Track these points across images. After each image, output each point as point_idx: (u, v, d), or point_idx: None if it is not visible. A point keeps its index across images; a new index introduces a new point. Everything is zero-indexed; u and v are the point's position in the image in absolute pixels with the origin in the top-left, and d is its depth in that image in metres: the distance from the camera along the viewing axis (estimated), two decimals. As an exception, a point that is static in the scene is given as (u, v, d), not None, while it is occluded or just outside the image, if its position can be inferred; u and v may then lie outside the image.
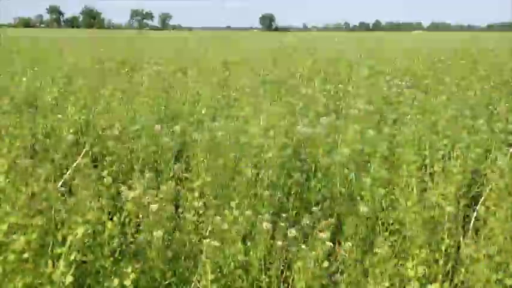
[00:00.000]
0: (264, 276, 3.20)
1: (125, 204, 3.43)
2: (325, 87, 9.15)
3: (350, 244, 3.33)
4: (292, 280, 3.10)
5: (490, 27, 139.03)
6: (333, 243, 3.70)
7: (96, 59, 13.52)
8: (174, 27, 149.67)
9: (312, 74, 11.17)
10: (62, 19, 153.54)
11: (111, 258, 3.02)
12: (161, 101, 7.13)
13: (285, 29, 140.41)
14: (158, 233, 2.95)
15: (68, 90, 8.15)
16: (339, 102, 7.97)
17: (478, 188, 4.68)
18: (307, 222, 3.38)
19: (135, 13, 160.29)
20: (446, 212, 3.32)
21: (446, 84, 9.48)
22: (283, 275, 3.35)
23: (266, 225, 2.99)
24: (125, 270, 2.77)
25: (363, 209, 3.52)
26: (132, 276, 2.78)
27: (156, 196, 3.44)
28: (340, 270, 3.37)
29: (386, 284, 3.12)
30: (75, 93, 7.54)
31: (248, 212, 3.10)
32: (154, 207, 3.07)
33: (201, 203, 3.98)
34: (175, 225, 3.59)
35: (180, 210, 4.01)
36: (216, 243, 2.83)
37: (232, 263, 3.15)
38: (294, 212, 4.27)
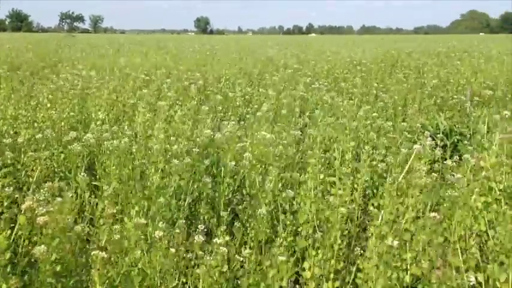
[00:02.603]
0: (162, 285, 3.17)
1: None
2: (246, 90, 9.23)
3: (249, 248, 3.36)
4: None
5: (417, 30, 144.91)
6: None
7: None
8: (106, 30, 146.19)
9: (238, 77, 11.23)
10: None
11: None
12: (73, 108, 6.92)
13: (220, 32, 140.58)
14: (42, 248, 2.84)
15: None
16: (256, 105, 8.04)
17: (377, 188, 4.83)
18: (203, 228, 3.37)
19: (64, 16, 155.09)
20: (339, 213, 3.41)
21: (362, 87, 9.79)
22: (181, 282, 3.33)
23: (158, 233, 2.95)
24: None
25: (261, 211, 3.55)
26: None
27: (55, 206, 3.32)
28: (241, 273, 3.39)
29: (283, 284, 3.17)
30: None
31: (142, 220, 3.05)
32: (40, 219, 2.96)
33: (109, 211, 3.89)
34: (71, 236, 3.47)
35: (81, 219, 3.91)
36: (104, 255, 2.76)
37: (128, 273, 3.09)
38: (204, 216, 4.27)
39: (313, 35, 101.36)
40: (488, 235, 3.10)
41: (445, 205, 3.34)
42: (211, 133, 4.92)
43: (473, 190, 3.20)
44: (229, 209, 4.34)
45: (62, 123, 6.15)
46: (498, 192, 3.44)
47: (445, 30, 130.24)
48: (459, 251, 2.90)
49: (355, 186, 4.54)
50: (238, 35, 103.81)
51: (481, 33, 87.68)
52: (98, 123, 6.28)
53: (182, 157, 4.37)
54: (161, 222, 3.15)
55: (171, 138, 4.78)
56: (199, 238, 2.94)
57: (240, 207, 4.36)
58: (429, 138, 7.22)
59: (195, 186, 4.25)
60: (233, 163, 4.49)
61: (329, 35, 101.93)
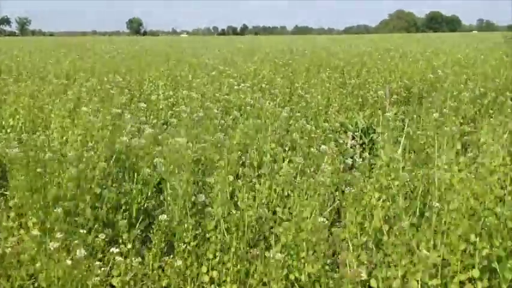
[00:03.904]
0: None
1: None
2: (168, 93, 9.15)
3: (151, 254, 3.34)
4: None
5: (348, 30, 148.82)
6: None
7: None
8: (34, 33, 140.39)
9: (162, 79, 11.09)
10: None
11: None
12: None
13: (154, 34, 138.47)
14: None
15: None
16: (178, 109, 7.98)
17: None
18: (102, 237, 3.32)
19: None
20: (243, 216, 3.46)
21: (285, 87, 9.95)
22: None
23: (53, 244, 2.88)
24: None
25: (162, 217, 3.54)
26: None
27: None
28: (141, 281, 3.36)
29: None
30: None
31: (35, 232, 2.96)
32: None
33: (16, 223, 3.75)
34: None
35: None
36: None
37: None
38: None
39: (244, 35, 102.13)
40: (383, 232, 3.22)
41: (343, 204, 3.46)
42: (127, 139, 4.84)
43: (367, 187, 3.34)
44: (141, 216, 4.30)
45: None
46: (395, 189, 3.61)
47: (374, 30, 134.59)
48: (351, 248, 3.00)
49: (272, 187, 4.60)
50: (172, 36, 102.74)
51: (407, 33, 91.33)
52: (9, 130, 6.04)
53: (98, 163, 4.28)
54: (59, 233, 3.07)
55: (89, 144, 4.66)
56: (80, 253, 2.87)
57: (157, 212, 4.32)
58: (350, 137, 7.49)
59: (111, 194, 4.17)
60: (147, 169, 4.44)
61: (264, 35, 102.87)
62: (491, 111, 7.23)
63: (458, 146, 3.85)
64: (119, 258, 2.89)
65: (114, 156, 4.75)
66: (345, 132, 7.75)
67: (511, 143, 4.07)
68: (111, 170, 4.63)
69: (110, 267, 3.17)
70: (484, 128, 4.68)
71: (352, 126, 8.09)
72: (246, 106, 7.43)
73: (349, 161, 5.48)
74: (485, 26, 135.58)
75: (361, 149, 7.20)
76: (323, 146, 4.88)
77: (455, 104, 7.42)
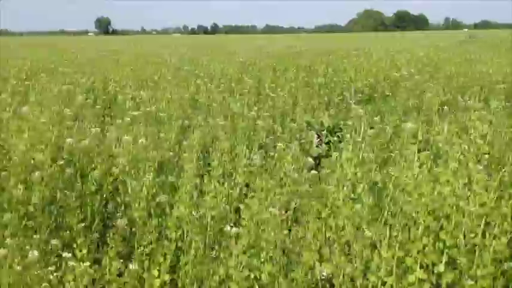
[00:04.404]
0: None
1: None
2: (135, 93, 9.03)
3: (108, 258, 3.27)
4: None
5: (318, 29, 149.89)
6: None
7: None
8: (0, 32, 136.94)
9: (128, 81, 10.95)
10: None
11: None
12: None
13: (123, 33, 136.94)
14: None
15: None
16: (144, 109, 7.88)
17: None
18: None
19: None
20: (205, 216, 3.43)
21: (253, 87, 9.93)
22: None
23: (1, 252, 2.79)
24: None
25: (121, 221, 3.48)
26: None
27: None
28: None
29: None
30: None
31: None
32: None
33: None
34: None
35: None
36: None
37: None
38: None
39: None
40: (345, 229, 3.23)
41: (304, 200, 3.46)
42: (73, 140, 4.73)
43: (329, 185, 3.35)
44: (97, 219, 4.21)
45: None
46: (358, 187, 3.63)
47: (344, 29, 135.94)
48: (312, 245, 3.00)
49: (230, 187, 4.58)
50: (141, 35, 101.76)
51: (375, 32, 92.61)
52: None
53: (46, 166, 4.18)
54: (9, 239, 2.97)
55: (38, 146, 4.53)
56: (33, 255, 2.80)
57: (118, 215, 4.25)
58: (315, 136, 7.51)
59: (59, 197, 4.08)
60: (98, 171, 4.36)
61: (234, 34, 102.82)
62: (452, 110, 7.35)
63: (417, 144, 3.89)
64: (71, 263, 2.82)
65: (64, 158, 4.63)
66: (311, 131, 7.78)
67: (469, 140, 4.13)
68: (64, 172, 4.51)
69: (63, 272, 3.09)
70: (443, 126, 4.75)
71: (317, 125, 8.14)
72: (210, 105, 7.40)
73: (311, 160, 5.49)
74: (452, 25, 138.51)
75: (327, 148, 7.24)
76: (290, 144, 4.89)
77: (416, 103, 7.53)
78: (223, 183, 4.48)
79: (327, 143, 7.45)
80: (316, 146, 7.13)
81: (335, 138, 7.72)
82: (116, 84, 10.26)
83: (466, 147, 3.79)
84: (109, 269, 3.31)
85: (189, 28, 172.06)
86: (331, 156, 5.55)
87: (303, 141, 6.86)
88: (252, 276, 2.91)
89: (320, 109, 9.15)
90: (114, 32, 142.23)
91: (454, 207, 2.89)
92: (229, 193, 4.49)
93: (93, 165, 4.59)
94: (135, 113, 5.94)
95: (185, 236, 3.58)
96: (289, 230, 3.56)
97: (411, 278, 2.69)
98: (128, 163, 4.55)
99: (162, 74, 11.91)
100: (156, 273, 3.30)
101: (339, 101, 9.60)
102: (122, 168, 4.47)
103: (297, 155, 5.16)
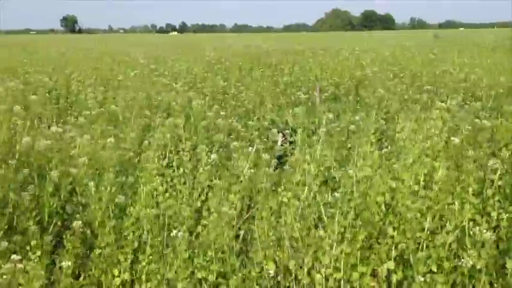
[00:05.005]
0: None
1: None
2: (97, 93, 8.88)
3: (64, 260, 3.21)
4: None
5: (287, 28, 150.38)
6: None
7: None
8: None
9: (91, 80, 10.77)
10: None
11: None
12: None
13: (90, 31, 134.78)
14: None
15: None
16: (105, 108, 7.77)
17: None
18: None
19: None
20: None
21: (217, 86, 9.91)
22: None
23: None
24: None
25: (77, 223, 3.41)
26: None
27: None
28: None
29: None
30: None
31: None
32: None
33: None
34: None
35: None
36: None
37: None
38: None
39: (174, 33, 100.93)
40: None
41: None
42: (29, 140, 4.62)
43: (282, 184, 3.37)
44: (54, 221, 4.12)
45: None
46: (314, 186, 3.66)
47: (312, 28, 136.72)
48: (259, 245, 3.01)
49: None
50: (108, 34, 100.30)
51: (342, 31, 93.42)
52: None
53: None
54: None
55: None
56: None
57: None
58: (280, 135, 7.52)
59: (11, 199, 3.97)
60: (56, 172, 4.27)
61: (203, 33, 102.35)
62: (412, 108, 7.46)
63: (374, 142, 3.94)
64: (19, 266, 2.75)
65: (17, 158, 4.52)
66: (276, 130, 7.80)
67: (426, 138, 4.20)
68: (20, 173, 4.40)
69: (15, 275, 3.01)
70: (401, 124, 4.82)
71: (282, 124, 8.16)
72: (174, 105, 7.33)
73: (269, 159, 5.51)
74: (418, 24, 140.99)
75: (291, 147, 7.26)
76: (250, 147, 4.89)
77: (376, 100, 7.63)
78: (184, 183, 4.46)
79: (291, 142, 7.49)
80: (281, 145, 7.15)
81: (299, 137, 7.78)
82: (79, 84, 10.08)
83: (424, 144, 3.85)
84: (65, 272, 3.25)
85: (157, 27, 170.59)
86: (293, 154, 5.61)
87: (265, 140, 6.86)
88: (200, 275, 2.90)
89: (286, 108, 9.17)
90: (81, 31, 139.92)
91: (404, 204, 2.94)
92: (190, 192, 4.47)
93: (50, 166, 4.48)
94: (95, 112, 5.82)
95: (143, 236, 3.54)
96: (239, 229, 3.56)
97: (355, 275, 2.71)
98: (86, 163, 4.47)
99: (127, 72, 11.75)
100: (116, 272, 3.26)
101: (305, 100, 9.64)
102: (80, 168, 4.38)
103: (258, 154, 5.17)
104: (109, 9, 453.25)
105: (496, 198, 3.10)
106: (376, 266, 2.93)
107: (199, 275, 2.88)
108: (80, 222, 3.41)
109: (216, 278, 2.90)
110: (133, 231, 3.51)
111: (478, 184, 3.09)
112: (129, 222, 3.57)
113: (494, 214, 3.04)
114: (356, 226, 2.94)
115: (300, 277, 2.84)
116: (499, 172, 3.23)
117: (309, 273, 2.84)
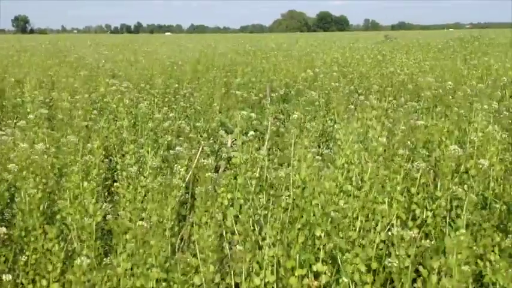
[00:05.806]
0: None
1: None
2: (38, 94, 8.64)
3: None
4: None
5: (243, 29, 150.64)
6: None
7: None
8: None
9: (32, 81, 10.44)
10: None
11: None
12: None
13: (42, 32, 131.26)
14: None
15: None
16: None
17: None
18: None
19: None
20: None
21: (168, 88, 9.82)
22: None
23: None
24: None
25: (1, 229, 3.31)
26: None
27: None
28: None
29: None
30: None
31: None
32: None
33: None
34: None
35: None
36: None
37: None
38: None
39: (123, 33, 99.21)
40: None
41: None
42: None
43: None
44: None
45: None
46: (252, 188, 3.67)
47: (268, 29, 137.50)
48: (196, 248, 2.99)
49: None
50: (61, 34, 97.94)
51: (298, 32, 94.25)
52: None
53: None
54: None
55: None
56: None
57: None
58: (230, 136, 7.51)
59: None
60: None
61: (158, 34, 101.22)
62: (358, 109, 7.59)
63: (313, 143, 3.98)
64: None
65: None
66: (225, 132, 7.78)
67: (365, 138, 4.27)
68: None
69: None
70: (341, 124, 4.89)
71: (231, 125, 8.16)
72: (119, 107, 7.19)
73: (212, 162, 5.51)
74: (372, 26, 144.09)
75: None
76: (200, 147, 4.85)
77: (323, 101, 7.73)
78: (128, 187, 4.39)
79: (243, 144, 7.49)
80: (231, 147, 7.15)
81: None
82: (19, 84, 9.75)
83: (363, 145, 3.92)
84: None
85: (112, 27, 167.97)
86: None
87: (212, 142, 6.86)
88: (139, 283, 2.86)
89: (236, 109, 9.17)
90: (32, 31, 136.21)
91: (337, 204, 2.98)
92: (134, 197, 4.41)
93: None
94: (34, 115, 5.67)
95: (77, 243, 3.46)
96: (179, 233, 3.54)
97: (292, 280, 2.73)
98: (23, 168, 4.34)
99: (75, 73, 11.48)
100: (44, 282, 3.17)
101: (257, 101, 9.67)
102: (15, 173, 4.24)
103: (203, 156, 5.16)
104: (63, 9, 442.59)
105: (420, 195, 3.19)
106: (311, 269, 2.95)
107: (138, 283, 2.84)
108: (3, 228, 3.29)
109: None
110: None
111: (405, 183, 3.17)
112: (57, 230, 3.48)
113: (418, 211, 3.13)
114: (292, 229, 2.97)
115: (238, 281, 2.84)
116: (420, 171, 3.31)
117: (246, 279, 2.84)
